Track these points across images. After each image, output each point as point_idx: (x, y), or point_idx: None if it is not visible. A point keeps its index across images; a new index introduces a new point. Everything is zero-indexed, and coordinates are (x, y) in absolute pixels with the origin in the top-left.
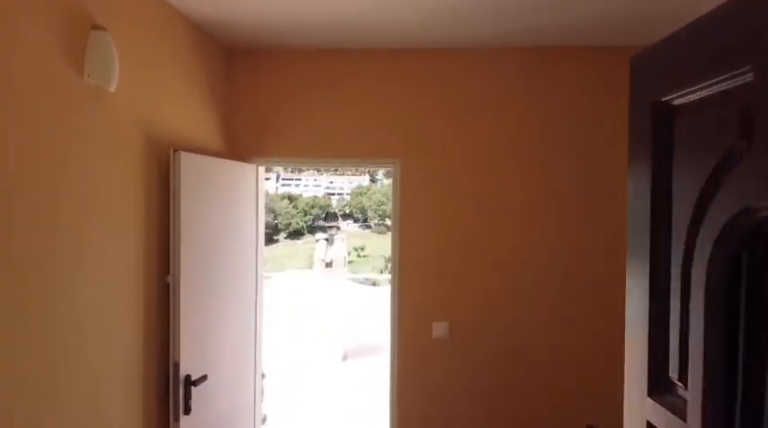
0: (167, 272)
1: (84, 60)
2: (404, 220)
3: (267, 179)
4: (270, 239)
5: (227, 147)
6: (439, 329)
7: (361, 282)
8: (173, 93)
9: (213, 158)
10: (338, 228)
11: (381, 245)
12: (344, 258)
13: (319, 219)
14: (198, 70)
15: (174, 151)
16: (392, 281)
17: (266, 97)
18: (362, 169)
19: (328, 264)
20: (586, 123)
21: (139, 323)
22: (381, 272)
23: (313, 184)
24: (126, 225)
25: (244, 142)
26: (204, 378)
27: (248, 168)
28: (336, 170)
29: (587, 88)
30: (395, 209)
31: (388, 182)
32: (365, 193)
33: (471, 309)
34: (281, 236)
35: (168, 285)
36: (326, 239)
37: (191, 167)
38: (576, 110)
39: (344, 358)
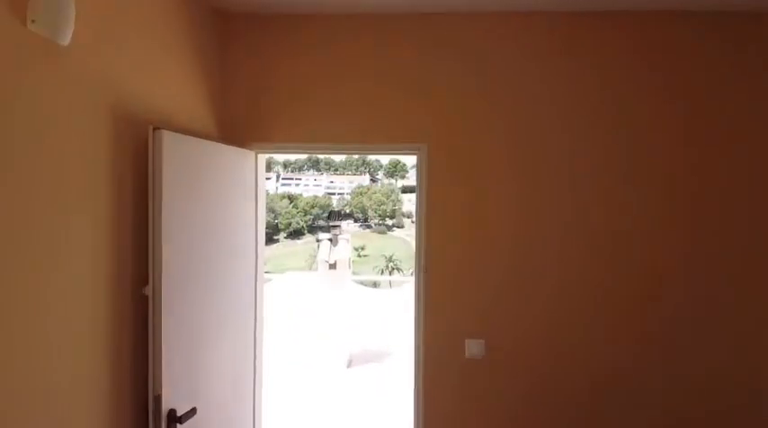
0: (145, 282)
1: (28, 0)
2: (431, 218)
3: (267, 178)
4: (270, 239)
5: (222, 129)
6: (473, 347)
7: (360, 284)
8: (152, 59)
9: (203, 141)
10: (340, 228)
11: (382, 244)
12: (349, 259)
13: (319, 219)
14: (184, 35)
15: (155, 129)
16: (416, 290)
17: (268, 72)
18: (386, 154)
19: (332, 266)
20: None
21: (107, 348)
22: (382, 273)
23: (313, 184)
24: (87, 223)
25: (241, 125)
26: (193, 412)
27: (246, 155)
28: (337, 170)
29: (629, 55)
30: (420, 205)
31: (388, 181)
32: (365, 193)
33: (513, 325)
34: (281, 235)
35: (146, 298)
36: (330, 239)
37: (175, 150)
38: (622, 79)
39: (349, 364)
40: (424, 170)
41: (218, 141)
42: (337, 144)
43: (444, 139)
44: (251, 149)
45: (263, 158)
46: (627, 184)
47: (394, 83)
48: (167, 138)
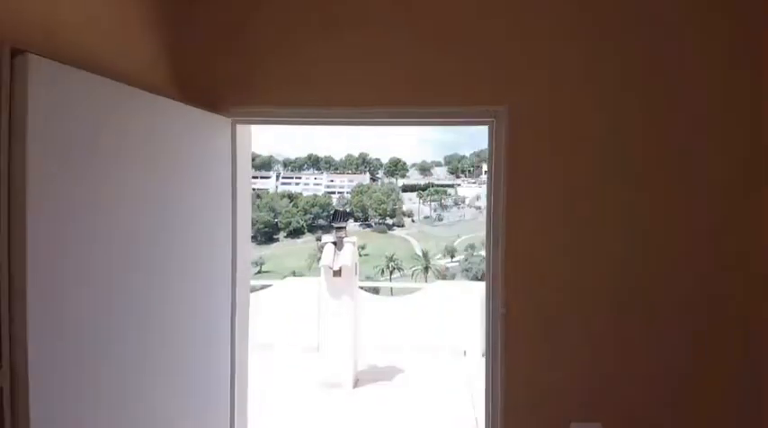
0: None
1: None
2: (513, 229)
3: (266, 178)
4: (270, 238)
5: (184, 87)
6: None
7: (360, 289)
8: None
9: (131, 89)
10: (345, 230)
11: (382, 243)
12: (356, 265)
13: (319, 218)
14: None
15: (14, 53)
16: (489, 345)
17: (257, 10)
18: (438, 123)
19: (336, 273)
20: None
21: None
22: (383, 272)
23: (313, 183)
24: None
25: (213, 79)
26: None
27: (218, 123)
28: (337, 169)
29: None
30: (494, 208)
31: (388, 180)
32: (365, 192)
33: (646, 400)
34: (281, 235)
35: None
36: (334, 242)
37: (63, 96)
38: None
39: (356, 384)
40: (502, 150)
41: (175, 100)
42: (362, 108)
43: (529, 103)
44: (227, 116)
45: (245, 129)
46: None
47: (450, 18)
48: (41, 69)
